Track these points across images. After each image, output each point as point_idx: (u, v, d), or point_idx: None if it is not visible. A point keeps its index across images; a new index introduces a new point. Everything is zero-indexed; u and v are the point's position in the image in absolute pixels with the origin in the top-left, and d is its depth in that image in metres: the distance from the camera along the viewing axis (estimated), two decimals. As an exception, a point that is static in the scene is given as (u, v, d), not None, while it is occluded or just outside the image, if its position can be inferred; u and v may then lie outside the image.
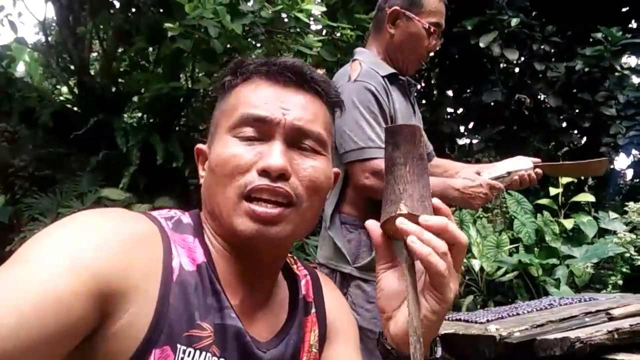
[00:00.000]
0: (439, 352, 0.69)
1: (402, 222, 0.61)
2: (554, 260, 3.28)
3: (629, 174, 5.37)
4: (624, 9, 4.75)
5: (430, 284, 0.61)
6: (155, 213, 0.69)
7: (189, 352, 0.61)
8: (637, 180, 5.12)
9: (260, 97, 0.69)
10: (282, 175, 0.65)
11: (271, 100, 0.69)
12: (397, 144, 0.64)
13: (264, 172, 0.65)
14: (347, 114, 1.40)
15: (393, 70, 1.58)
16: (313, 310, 0.79)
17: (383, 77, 1.53)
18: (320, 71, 0.74)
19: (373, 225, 0.66)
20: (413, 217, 0.62)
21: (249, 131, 0.67)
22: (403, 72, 1.63)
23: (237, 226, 0.65)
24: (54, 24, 4.83)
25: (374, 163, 1.42)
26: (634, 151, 4.93)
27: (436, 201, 0.64)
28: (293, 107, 0.69)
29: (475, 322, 1.66)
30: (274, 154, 0.65)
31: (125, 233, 0.61)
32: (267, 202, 0.65)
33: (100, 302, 0.55)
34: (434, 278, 0.60)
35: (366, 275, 1.46)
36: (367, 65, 1.53)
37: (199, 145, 0.77)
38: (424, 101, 5.33)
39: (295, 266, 0.82)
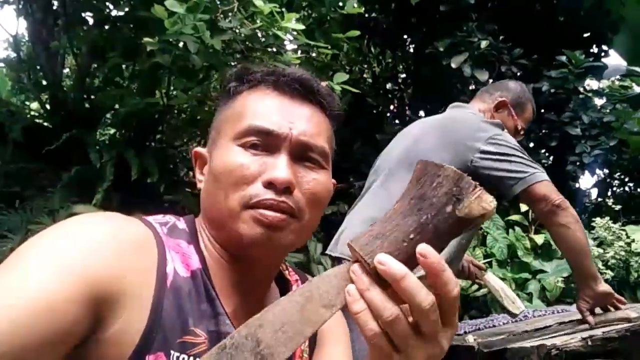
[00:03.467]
0: None
1: (354, 271, 0.49)
2: (526, 275, 3.35)
3: (594, 192, 5.55)
4: (585, 34, 4.96)
5: None
6: (150, 218, 0.69)
7: (183, 359, 0.61)
8: (601, 199, 5.29)
9: (268, 108, 0.69)
10: (287, 189, 0.65)
11: (278, 113, 0.68)
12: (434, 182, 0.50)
13: (269, 185, 0.64)
14: (509, 152, 1.64)
15: None
16: None
17: None
18: (324, 84, 0.75)
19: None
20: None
21: (254, 141, 0.67)
22: None
23: (241, 231, 0.64)
24: (23, 40, 4.75)
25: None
26: (597, 170, 5.11)
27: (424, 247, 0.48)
28: (299, 120, 0.69)
29: (454, 334, 1.69)
30: (280, 167, 0.65)
31: (119, 237, 0.60)
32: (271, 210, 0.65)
33: (94, 307, 0.55)
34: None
35: None
36: None
37: (198, 149, 0.76)
38: (397, 121, 5.40)
39: (286, 272, 0.83)
